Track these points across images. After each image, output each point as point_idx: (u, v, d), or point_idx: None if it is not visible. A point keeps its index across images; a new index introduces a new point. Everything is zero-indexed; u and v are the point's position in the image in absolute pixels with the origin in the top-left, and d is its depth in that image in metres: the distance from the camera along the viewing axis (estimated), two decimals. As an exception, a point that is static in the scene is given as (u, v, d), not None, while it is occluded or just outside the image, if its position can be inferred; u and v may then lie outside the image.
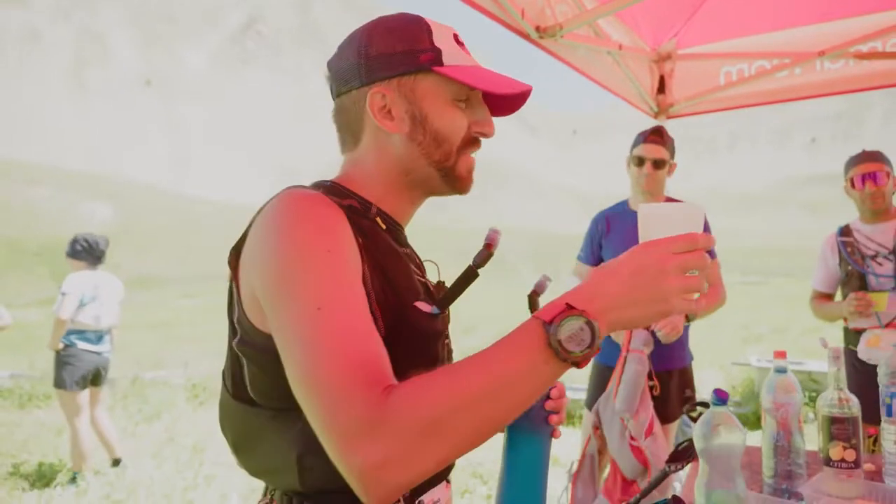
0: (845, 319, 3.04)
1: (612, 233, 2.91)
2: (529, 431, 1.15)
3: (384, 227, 1.01)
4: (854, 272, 2.97)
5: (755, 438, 1.76)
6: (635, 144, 2.82)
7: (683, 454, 1.43)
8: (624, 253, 0.85)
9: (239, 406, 0.96)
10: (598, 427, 2.73)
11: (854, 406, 1.68)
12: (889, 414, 1.75)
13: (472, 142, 1.03)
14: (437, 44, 0.99)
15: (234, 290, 0.93)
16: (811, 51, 3.34)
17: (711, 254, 2.89)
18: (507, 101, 1.08)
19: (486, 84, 0.98)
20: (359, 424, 0.72)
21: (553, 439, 1.17)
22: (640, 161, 2.76)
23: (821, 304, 3.20)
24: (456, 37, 1.03)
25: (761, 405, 1.68)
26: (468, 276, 1.05)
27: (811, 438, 1.81)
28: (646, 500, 1.51)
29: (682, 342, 2.84)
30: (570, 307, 0.77)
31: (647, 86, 3.60)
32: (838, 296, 3.11)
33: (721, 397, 1.26)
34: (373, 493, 0.73)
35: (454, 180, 1.03)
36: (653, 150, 2.75)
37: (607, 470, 2.75)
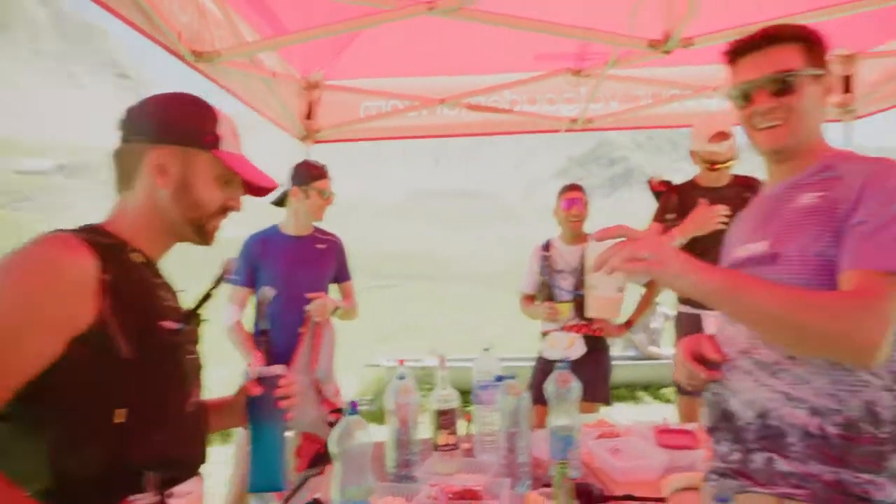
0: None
1: (267, 256, 3.04)
2: (263, 420, 1.36)
3: (140, 261, 1.23)
4: (545, 282, 3.61)
5: (383, 432, 2.09)
6: (316, 178, 3.03)
7: (321, 459, 1.66)
8: None
9: None
10: None
11: (454, 400, 2.11)
12: (478, 402, 2.25)
13: (222, 211, 1.31)
14: (219, 131, 1.27)
15: None
16: (434, 97, 3.95)
17: (347, 275, 3.26)
18: (257, 188, 1.35)
19: (249, 175, 1.29)
20: None
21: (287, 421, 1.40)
22: (322, 194, 3.04)
23: (527, 306, 3.77)
24: (234, 129, 1.32)
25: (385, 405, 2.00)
26: (204, 299, 1.32)
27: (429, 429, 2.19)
28: None
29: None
30: None
31: (298, 111, 3.83)
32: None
33: (354, 407, 1.52)
34: None
35: (203, 236, 1.31)
36: (326, 184, 3.05)
37: None
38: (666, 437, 2.23)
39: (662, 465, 2.03)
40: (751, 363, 1.33)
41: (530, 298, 3.76)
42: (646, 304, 3.60)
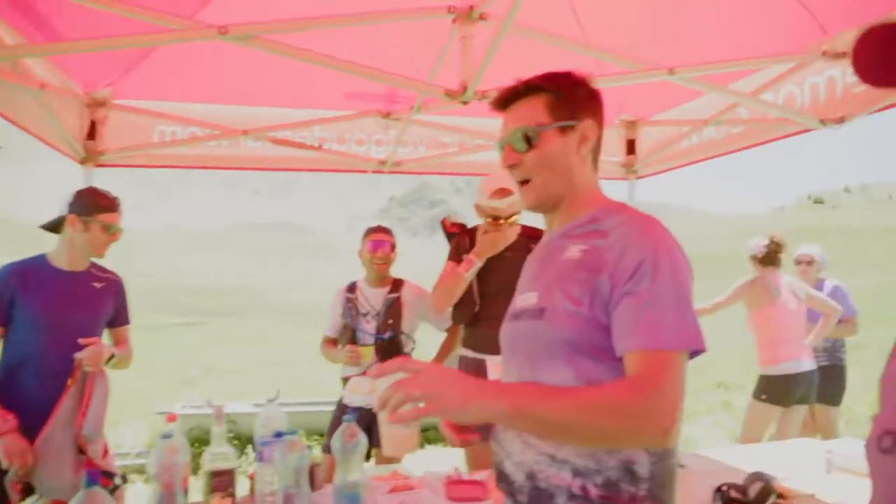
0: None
1: (28, 290, 2.61)
2: None
3: None
4: (348, 325, 3.46)
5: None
6: (102, 210, 2.67)
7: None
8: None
9: None
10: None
11: (231, 458, 1.92)
12: (260, 459, 2.07)
13: None
14: None
15: None
16: (237, 128, 3.74)
17: (126, 318, 2.94)
18: None
19: None
20: None
21: None
22: (107, 229, 2.68)
23: (328, 349, 3.60)
24: None
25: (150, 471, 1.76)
26: None
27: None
28: None
29: None
30: None
31: (76, 130, 3.43)
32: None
33: (92, 478, 1.29)
34: None
35: None
36: (115, 218, 2.69)
37: None
38: (455, 488, 2.20)
39: (449, 519, 1.99)
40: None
41: (332, 342, 3.64)
42: (448, 348, 3.61)
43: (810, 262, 4.80)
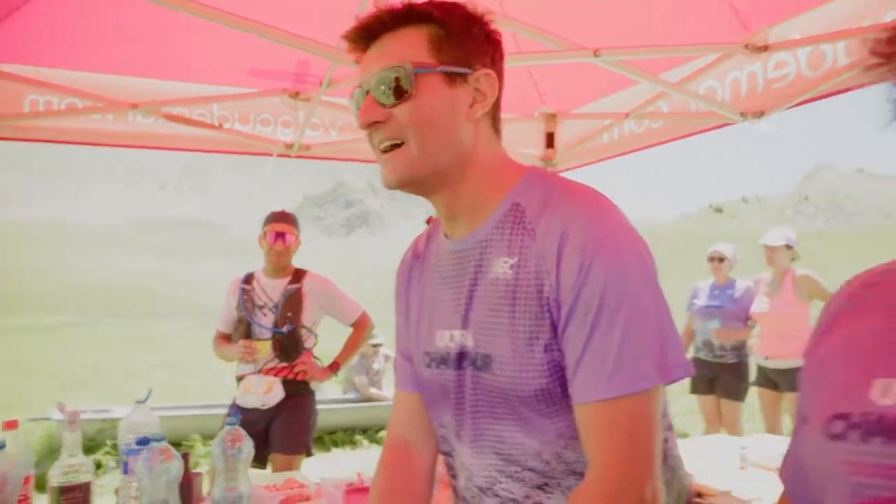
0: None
1: None
2: None
3: None
4: (244, 319, 3.18)
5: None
6: None
7: None
8: None
9: None
10: None
11: (86, 471, 1.62)
12: (125, 471, 1.77)
13: None
14: None
15: None
16: (124, 100, 3.35)
17: None
18: None
19: None
20: None
21: None
22: None
23: (221, 345, 3.33)
24: None
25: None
26: None
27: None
28: None
29: None
30: None
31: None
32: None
33: None
34: None
35: None
36: None
37: None
38: (356, 497, 1.97)
39: (347, 534, 1.76)
40: (497, 503, 1.02)
41: (226, 338, 3.34)
42: (352, 346, 3.38)
43: (721, 260, 4.84)
